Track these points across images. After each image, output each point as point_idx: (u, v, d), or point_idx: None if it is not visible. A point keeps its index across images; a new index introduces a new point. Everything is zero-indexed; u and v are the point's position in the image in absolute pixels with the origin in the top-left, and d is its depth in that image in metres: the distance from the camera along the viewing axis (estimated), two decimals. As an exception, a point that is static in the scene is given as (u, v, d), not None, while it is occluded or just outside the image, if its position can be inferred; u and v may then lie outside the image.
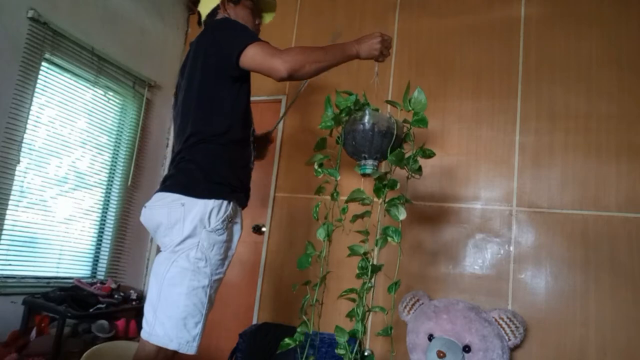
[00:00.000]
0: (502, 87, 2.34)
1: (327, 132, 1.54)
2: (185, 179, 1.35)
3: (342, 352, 1.37)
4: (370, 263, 1.42)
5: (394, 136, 1.39)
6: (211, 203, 1.32)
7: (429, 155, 1.44)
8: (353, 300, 1.44)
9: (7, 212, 2.25)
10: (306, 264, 1.46)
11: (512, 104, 2.31)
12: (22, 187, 2.35)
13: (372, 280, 1.42)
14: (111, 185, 2.89)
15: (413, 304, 2.13)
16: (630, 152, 2.06)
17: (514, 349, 1.99)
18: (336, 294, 1.49)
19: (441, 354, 1.84)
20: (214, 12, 1.56)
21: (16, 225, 2.33)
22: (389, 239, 1.39)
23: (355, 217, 1.48)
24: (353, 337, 1.39)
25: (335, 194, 1.51)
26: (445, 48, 2.51)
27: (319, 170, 1.49)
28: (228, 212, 1.36)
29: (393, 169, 1.44)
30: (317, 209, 1.53)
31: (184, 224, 1.30)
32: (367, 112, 1.41)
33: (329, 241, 1.47)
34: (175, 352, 1.28)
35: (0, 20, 2.18)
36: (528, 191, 2.20)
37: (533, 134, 2.24)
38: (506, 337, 1.90)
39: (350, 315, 1.42)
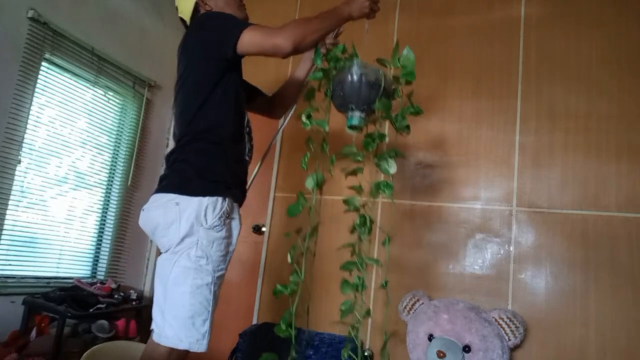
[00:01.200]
0: (502, 87, 2.34)
1: (316, 84, 1.52)
2: (178, 179, 1.36)
3: (344, 307, 1.36)
4: (365, 217, 1.41)
5: (382, 88, 1.39)
6: (205, 200, 1.32)
7: (416, 112, 1.44)
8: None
9: (7, 212, 2.25)
10: (296, 211, 1.45)
11: (512, 104, 2.31)
12: (22, 187, 2.35)
13: (368, 232, 1.41)
14: (111, 185, 2.89)
15: (413, 304, 2.13)
16: (630, 152, 2.06)
17: (514, 349, 1.99)
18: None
19: (441, 354, 1.84)
20: (196, 11, 1.56)
21: (16, 225, 2.33)
22: (380, 191, 1.39)
23: (347, 173, 1.45)
24: (355, 288, 1.37)
25: (324, 145, 1.48)
26: (445, 48, 2.51)
27: (307, 122, 1.48)
28: (224, 209, 1.36)
29: (380, 124, 1.44)
30: (306, 159, 1.50)
31: (180, 223, 1.30)
32: (355, 62, 1.41)
33: (319, 191, 1.46)
34: (187, 352, 1.29)
35: (0, 20, 2.18)
36: (528, 191, 2.20)
37: (533, 134, 2.24)
38: (506, 337, 1.90)
39: (346, 267, 1.40)
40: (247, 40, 1.33)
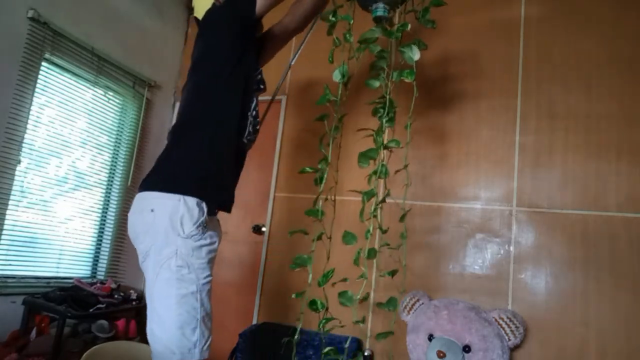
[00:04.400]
0: (502, 87, 2.34)
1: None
2: (159, 175, 1.37)
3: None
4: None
5: None
6: (181, 206, 1.29)
7: (439, 3, 1.48)
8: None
9: (7, 212, 2.25)
10: (323, 101, 1.50)
11: (512, 103, 2.31)
12: (22, 187, 2.35)
13: (390, 113, 1.42)
14: (111, 185, 2.89)
15: (413, 304, 2.13)
16: (630, 152, 2.05)
17: (514, 349, 1.99)
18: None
19: (441, 354, 1.84)
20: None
21: (16, 225, 2.33)
22: (403, 77, 1.41)
23: (371, 65, 1.45)
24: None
25: (348, 35, 1.50)
26: (445, 48, 2.51)
27: (333, 19, 1.50)
28: (202, 219, 1.32)
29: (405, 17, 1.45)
30: (333, 52, 1.50)
31: (154, 229, 1.29)
32: None
33: (344, 85, 1.48)
34: None
35: (0, 20, 2.18)
36: (528, 191, 2.20)
37: (533, 134, 2.24)
38: (506, 337, 1.90)
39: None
40: None
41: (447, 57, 2.50)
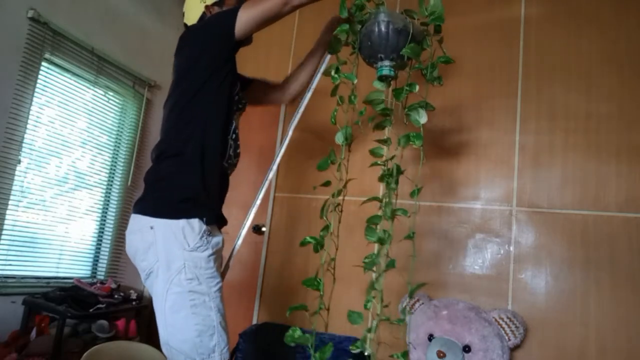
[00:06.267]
0: (502, 87, 2.34)
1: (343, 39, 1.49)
2: (152, 201, 1.35)
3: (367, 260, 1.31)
4: (393, 168, 1.37)
5: (410, 35, 1.37)
6: (182, 222, 1.29)
7: (447, 60, 1.43)
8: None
9: (7, 212, 2.25)
10: (325, 166, 1.43)
11: (512, 104, 2.31)
12: (22, 187, 2.35)
13: (395, 183, 1.37)
14: (111, 185, 2.89)
15: (413, 304, 2.13)
16: (630, 152, 2.05)
17: (514, 349, 1.99)
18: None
19: (441, 354, 1.84)
20: (202, 19, 1.56)
21: (16, 225, 2.33)
22: (411, 142, 1.36)
23: (375, 125, 1.40)
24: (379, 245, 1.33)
25: (352, 97, 1.44)
26: (445, 48, 2.51)
27: (336, 76, 1.44)
28: (204, 228, 1.32)
29: (410, 75, 1.42)
30: (335, 113, 1.45)
31: (156, 247, 1.29)
32: (381, 9, 1.39)
33: (348, 148, 1.44)
34: None
35: (0, 20, 2.18)
36: (528, 191, 2.20)
37: (533, 134, 2.24)
38: (506, 337, 1.90)
39: (372, 221, 1.35)
40: (246, 16, 1.34)
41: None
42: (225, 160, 1.47)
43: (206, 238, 1.33)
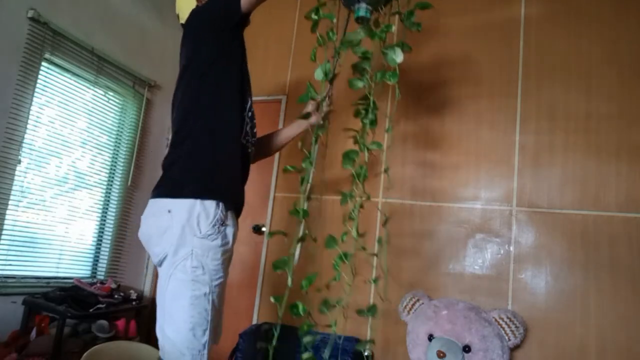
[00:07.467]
0: (502, 87, 2.34)
1: None
2: (171, 183, 1.35)
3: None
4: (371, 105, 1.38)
5: None
6: (198, 206, 1.29)
7: (425, 5, 1.43)
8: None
9: (7, 212, 2.25)
10: (305, 99, 1.49)
11: (512, 104, 2.31)
12: (22, 187, 2.35)
13: (372, 115, 1.38)
14: (111, 185, 2.89)
15: (413, 304, 2.13)
16: (630, 152, 2.05)
17: (514, 349, 1.99)
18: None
19: (441, 354, 1.84)
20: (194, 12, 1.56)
21: (16, 225, 2.33)
22: (385, 79, 1.36)
23: (353, 65, 1.40)
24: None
25: (331, 33, 1.45)
26: (445, 48, 2.51)
27: (315, 17, 1.46)
28: (218, 216, 1.32)
29: (387, 18, 1.43)
30: (315, 51, 1.44)
31: (173, 231, 1.28)
32: None
33: (330, 82, 1.45)
34: None
35: (0, 20, 2.18)
36: (528, 191, 2.20)
37: (533, 134, 2.24)
38: (506, 337, 1.90)
39: (349, 156, 1.34)
40: None
41: (447, 58, 2.50)
42: (243, 136, 1.46)
43: (219, 227, 1.32)
